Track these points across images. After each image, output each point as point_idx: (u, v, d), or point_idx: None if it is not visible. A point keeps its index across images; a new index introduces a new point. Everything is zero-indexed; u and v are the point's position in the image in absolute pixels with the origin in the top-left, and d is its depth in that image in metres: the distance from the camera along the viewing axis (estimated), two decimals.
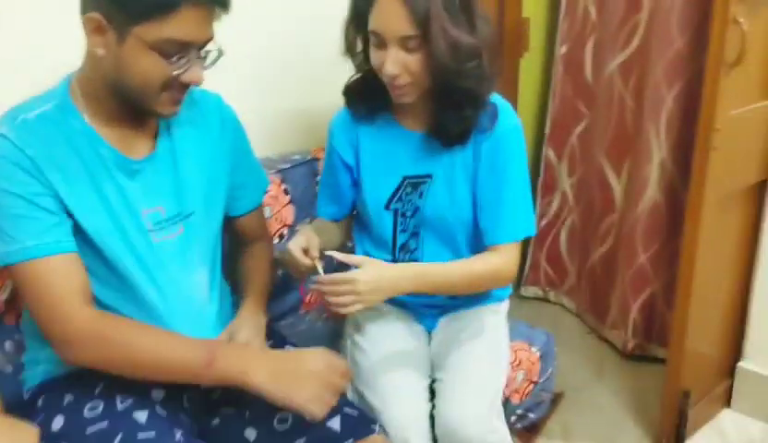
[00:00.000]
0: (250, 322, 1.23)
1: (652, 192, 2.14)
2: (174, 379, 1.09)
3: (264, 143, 1.67)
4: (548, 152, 2.54)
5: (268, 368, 1.06)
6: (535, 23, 2.49)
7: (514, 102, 2.46)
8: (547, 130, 2.52)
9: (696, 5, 1.93)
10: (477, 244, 1.33)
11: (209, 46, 1.05)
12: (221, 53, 1.07)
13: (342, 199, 1.43)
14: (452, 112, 1.24)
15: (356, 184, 1.40)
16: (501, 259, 1.29)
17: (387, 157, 1.34)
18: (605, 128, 2.29)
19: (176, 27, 0.98)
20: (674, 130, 2.05)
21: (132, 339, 1.07)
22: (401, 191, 1.34)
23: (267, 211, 1.58)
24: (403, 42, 1.16)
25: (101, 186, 1.08)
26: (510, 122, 1.29)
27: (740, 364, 2.01)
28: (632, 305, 2.26)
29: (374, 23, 1.18)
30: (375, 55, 1.21)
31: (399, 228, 1.37)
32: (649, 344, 2.29)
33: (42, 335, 1.07)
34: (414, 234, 1.37)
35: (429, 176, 1.32)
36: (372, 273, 1.19)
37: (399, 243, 1.38)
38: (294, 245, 1.22)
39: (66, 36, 1.11)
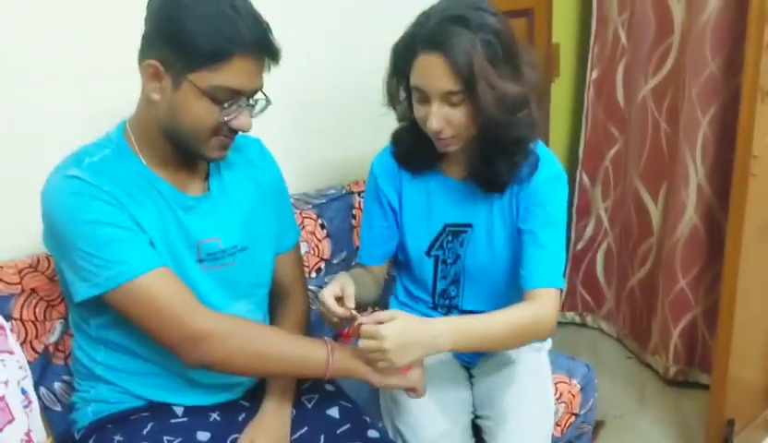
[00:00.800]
0: (271, 432, 1.17)
1: (690, 216, 2.11)
2: (297, 372, 1.19)
3: (300, 180, 1.71)
4: (582, 176, 2.53)
5: None
6: (565, 48, 2.49)
7: (546, 128, 2.48)
8: (581, 155, 2.51)
9: (728, 26, 1.92)
10: (519, 294, 1.26)
11: (257, 95, 1.10)
12: (268, 103, 1.12)
13: (389, 240, 1.38)
14: (502, 159, 1.22)
15: (398, 227, 1.38)
16: (541, 308, 1.21)
17: (428, 203, 1.34)
18: (639, 152, 2.28)
19: (229, 75, 1.03)
20: (710, 154, 2.03)
21: (257, 334, 1.13)
22: (442, 238, 1.34)
23: (304, 247, 1.61)
24: (447, 98, 1.14)
25: (163, 215, 1.13)
26: (550, 171, 1.26)
27: None
28: (673, 331, 2.23)
29: (416, 79, 1.16)
30: (418, 110, 1.19)
31: (439, 275, 1.36)
32: (691, 370, 2.25)
33: (161, 345, 1.09)
34: (455, 282, 1.36)
35: (470, 226, 1.32)
36: (402, 330, 1.07)
37: (439, 289, 1.38)
38: (328, 294, 1.14)
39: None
